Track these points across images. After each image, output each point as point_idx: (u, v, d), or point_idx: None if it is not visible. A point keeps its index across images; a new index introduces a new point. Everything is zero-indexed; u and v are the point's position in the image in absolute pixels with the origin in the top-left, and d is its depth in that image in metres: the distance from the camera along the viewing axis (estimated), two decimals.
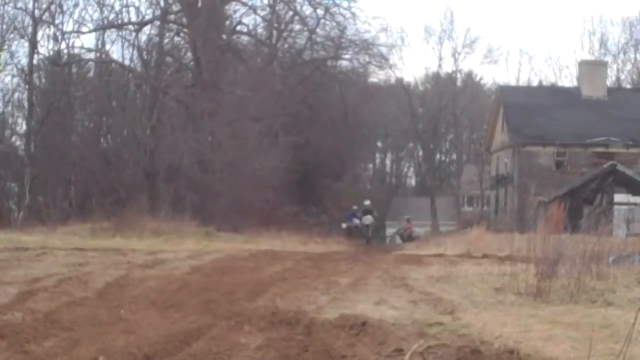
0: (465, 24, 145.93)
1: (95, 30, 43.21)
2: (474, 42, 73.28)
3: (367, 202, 43.76)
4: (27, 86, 42.13)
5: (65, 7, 42.25)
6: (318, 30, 47.01)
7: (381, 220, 63.86)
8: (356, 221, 43.71)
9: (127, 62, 43.73)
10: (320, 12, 46.19)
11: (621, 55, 66.00)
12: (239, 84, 42.18)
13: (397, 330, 7.83)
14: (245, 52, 46.66)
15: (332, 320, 8.41)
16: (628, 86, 62.55)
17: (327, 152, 47.09)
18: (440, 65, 75.03)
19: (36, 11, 40.54)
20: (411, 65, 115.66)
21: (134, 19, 42.71)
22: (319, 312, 9.17)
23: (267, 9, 47.39)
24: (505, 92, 53.10)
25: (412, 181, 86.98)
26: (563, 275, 11.13)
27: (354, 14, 46.67)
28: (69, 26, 43.04)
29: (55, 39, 42.06)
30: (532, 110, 48.28)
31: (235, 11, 46.43)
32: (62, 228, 28.98)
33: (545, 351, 6.96)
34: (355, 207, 45.62)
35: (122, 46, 44.22)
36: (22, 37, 41.66)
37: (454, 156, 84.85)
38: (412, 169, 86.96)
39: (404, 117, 71.70)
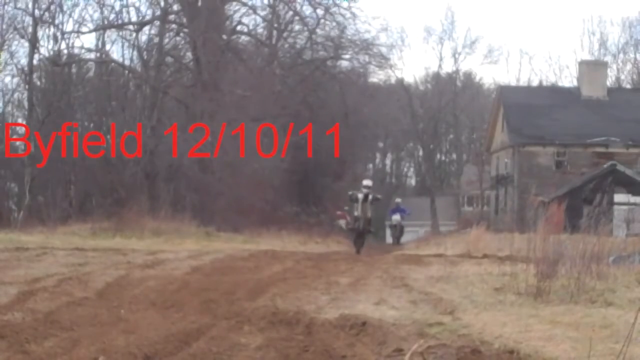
0: (466, 24, 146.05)
1: (95, 30, 43.25)
2: (474, 42, 73.50)
3: (367, 182, 25.22)
4: (27, 86, 42.15)
5: (65, 7, 42.31)
6: (318, 30, 47.07)
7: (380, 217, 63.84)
8: (396, 217, 37.98)
9: (127, 62, 43.80)
10: (320, 12, 46.28)
11: (621, 56, 66.11)
12: (239, 84, 42.19)
13: (397, 330, 7.83)
14: (245, 52, 46.69)
15: (332, 320, 8.41)
16: (628, 86, 62.61)
17: (327, 152, 47.08)
18: (440, 66, 75.12)
19: (36, 11, 40.56)
20: (411, 65, 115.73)
21: (134, 19, 42.77)
22: (319, 312, 9.17)
23: (267, 9, 47.47)
24: (505, 92, 53.14)
25: (412, 181, 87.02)
26: (563, 275, 11.12)
27: (354, 14, 46.75)
28: (69, 26, 43.15)
29: (55, 39, 42.11)
30: (532, 110, 48.30)
31: (235, 11, 46.51)
32: (62, 228, 28.97)
33: (545, 351, 6.96)
34: (398, 200, 41.22)
35: (122, 46, 44.35)
36: (22, 37, 41.68)
37: (454, 156, 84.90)
38: (412, 169, 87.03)
39: (404, 117, 71.73)
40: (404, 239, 39.76)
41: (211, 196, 37.77)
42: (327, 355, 6.81)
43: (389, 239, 58.93)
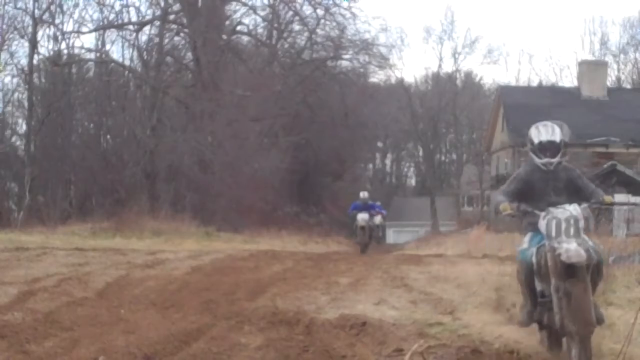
0: (466, 24, 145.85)
1: (95, 30, 43.29)
2: (474, 42, 73.64)
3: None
4: (27, 86, 42.16)
5: (65, 7, 42.35)
6: (318, 30, 47.10)
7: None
8: (363, 217, 26.77)
9: (127, 62, 43.85)
10: (320, 12, 46.31)
11: (621, 56, 66.11)
12: (239, 84, 42.21)
13: (397, 330, 7.82)
14: (245, 52, 46.71)
15: (332, 320, 8.41)
16: (628, 86, 62.61)
17: (327, 152, 47.09)
18: (440, 66, 75.17)
19: (36, 11, 40.61)
20: (411, 65, 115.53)
21: (134, 19, 42.80)
22: (319, 312, 9.17)
23: (267, 9, 47.48)
24: (505, 92, 53.14)
25: (412, 181, 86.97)
26: None
27: (354, 14, 46.85)
28: (69, 26, 43.19)
29: (55, 39, 42.15)
30: (532, 110, 48.22)
31: (235, 11, 46.55)
32: (62, 228, 28.98)
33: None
34: (364, 194, 27.91)
35: (122, 46, 44.45)
36: (22, 37, 41.72)
37: (454, 156, 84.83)
38: (412, 169, 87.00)
39: (404, 117, 71.71)
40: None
41: (211, 196, 37.78)
42: (327, 355, 6.81)
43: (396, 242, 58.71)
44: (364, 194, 27.57)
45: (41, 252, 16.55)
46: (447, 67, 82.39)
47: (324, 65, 49.05)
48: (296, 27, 48.14)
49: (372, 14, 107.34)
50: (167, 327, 7.88)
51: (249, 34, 47.17)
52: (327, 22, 46.89)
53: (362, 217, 26.16)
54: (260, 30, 48.24)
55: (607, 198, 7.88)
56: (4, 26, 41.12)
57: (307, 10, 46.78)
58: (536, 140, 7.61)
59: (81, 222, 31.39)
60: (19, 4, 40.89)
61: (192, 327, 7.91)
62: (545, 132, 7.68)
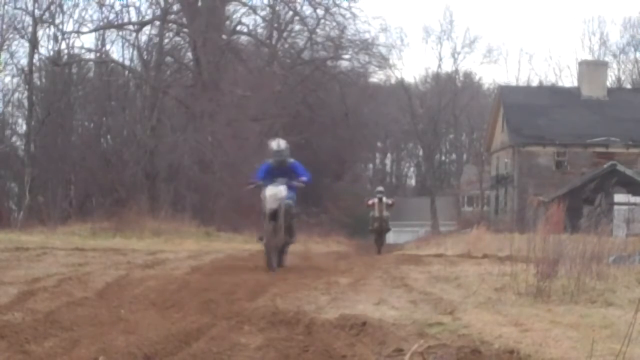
0: (465, 23, 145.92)
1: (95, 30, 43.33)
2: (473, 42, 73.81)
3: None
4: (27, 86, 42.17)
5: (65, 7, 42.42)
6: (318, 30, 47.16)
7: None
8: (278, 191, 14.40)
9: (127, 62, 43.90)
10: (320, 12, 46.37)
11: (621, 56, 66.17)
12: (239, 84, 42.23)
13: (397, 330, 7.81)
14: (245, 52, 46.73)
15: (332, 320, 8.40)
16: (628, 86, 62.67)
17: (327, 152, 47.10)
18: (440, 66, 75.14)
19: (36, 11, 40.64)
20: (411, 65, 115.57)
21: (134, 19, 42.84)
22: (319, 312, 9.16)
23: (267, 9, 47.55)
24: (505, 92, 53.19)
25: (412, 181, 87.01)
26: (563, 275, 11.12)
27: (354, 14, 46.91)
28: (69, 26, 43.25)
29: (55, 39, 42.20)
30: (532, 110, 48.34)
31: (235, 11, 46.63)
32: (62, 228, 28.96)
33: (545, 351, 6.95)
34: (277, 143, 15.08)
35: (122, 46, 44.50)
36: (22, 37, 41.76)
37: (454, 156, 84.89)
38: (412, 169, 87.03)
39: (404, 117, 71.76)
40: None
41: (211, 196, 37.80)
42: (327, 355, 6.80)
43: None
44: (278, 145, 14.87)
45: (41, 252, 16.53)
46: (447, 67, 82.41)
47: (324, 65, 49.08)
48: (296, 27, 48.24)
49: (372, 14, 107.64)
50: (167, 327, 7.87)
51: (249, 34, 47.21)
52: (327, 22, 47.00)
53: (271, 191, 14.00)
54: (260, 30, 48.33)
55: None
56: (4, 26, 41.17)
57: (307, 10, 46.92)
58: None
59: (81, 222, 31.37)
60: (19, 4, 40.97)
61: (192, 327, 7.89)
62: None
